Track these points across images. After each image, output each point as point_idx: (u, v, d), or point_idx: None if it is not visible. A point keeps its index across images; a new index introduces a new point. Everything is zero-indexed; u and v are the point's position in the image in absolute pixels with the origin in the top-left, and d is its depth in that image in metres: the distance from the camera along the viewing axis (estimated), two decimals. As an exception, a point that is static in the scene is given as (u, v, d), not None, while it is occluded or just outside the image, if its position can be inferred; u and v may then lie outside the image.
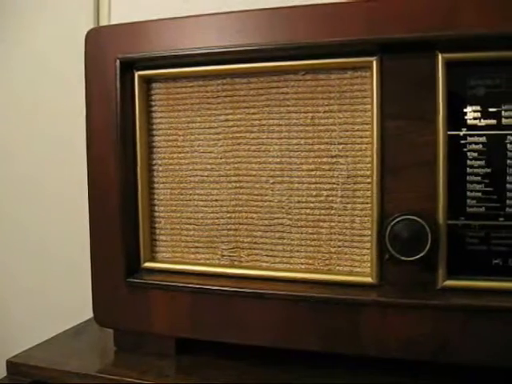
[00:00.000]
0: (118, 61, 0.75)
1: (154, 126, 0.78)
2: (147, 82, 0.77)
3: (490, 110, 0.65)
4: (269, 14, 0.70)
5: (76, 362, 0.77)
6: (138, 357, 0.78)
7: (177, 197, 0.77)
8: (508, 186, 0.64)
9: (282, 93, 0.72)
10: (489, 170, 0.65)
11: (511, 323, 0.63)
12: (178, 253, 0.78)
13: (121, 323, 0.79)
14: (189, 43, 0.73)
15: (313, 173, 0.71)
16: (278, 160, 0.72)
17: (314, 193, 0.71)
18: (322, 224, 0.71)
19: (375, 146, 0.66)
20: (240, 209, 0.74)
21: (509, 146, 0.64)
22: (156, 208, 0.78)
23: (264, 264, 0.74)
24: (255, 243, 0.74)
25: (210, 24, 0.73)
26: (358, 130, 0.69)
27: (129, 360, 0.77)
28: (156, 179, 0.78)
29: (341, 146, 0.69)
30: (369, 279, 0.68)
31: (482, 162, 0.65)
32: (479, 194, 0.65)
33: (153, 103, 0.78)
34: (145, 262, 0.78)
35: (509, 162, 0.64)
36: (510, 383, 0.67)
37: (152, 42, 0.75)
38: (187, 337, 0.76)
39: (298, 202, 0.71)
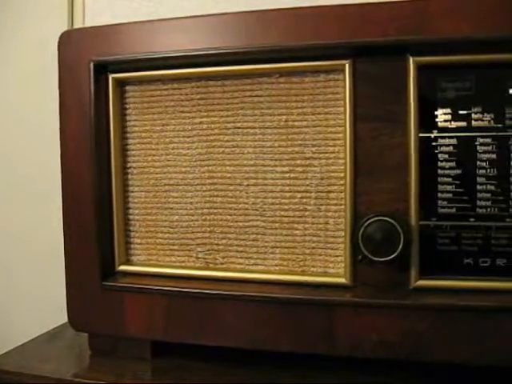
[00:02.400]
0: (91, 63, 0.74)
1: (129, 129, 0.78)
2: (121, 84, 0.77)
3: (460, 112, 0.66)
4: (243, 17, 0.70)
5: (51, 366, 0.76)
6: (114, 360, 0.78)
7: (151, 200, 0.77)
8: (478, 187, 0.66)
9: (256, 95, 0.72)
10: (459, 172, 0.66)
11: (483, 321, 0.64)
12: (153, 255, 0.78)
13: (96, 327, 0.78)
14: (163, 46, 0.73)
15: (287, 175, 0.71)
16: (252, 162, 0.72)
17: (288, 195, 0.71)
18: (296, 226, 0.71)
19: (348, 148, 0.67)
20: (215, 211, 0.74)
21: (478, 147, 0.65)
22: (131, 211, 0.78)
23: (239, 266, 0.74)
24: (230, 245, 0.74)
25: (185, 27, 0.73)
26: (331, 133, 0.69)
27: (104, 364, 0.77)
28: (130, 182, 0.78)
29: (314, 148, 0.70)
30: (342, 280, 0.69)
31: (453, 164, 0.66)
32: (450, 195, 0.66)
33: (127, 106, 0.77)
34: (120, 265, 0.78)
35: (479, 163, 0.65)
36: (483, 380, 0.68)
37: (126, 44, 0.75)
38: (162, 340, 0.75)
39: (272, 203, 0.72)
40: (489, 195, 0.65)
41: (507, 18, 0.63)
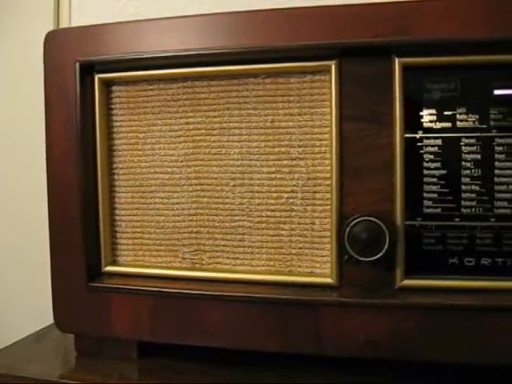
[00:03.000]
0: (77, 63, 0.74)
1: (115, 129, 0.77)
2: (107, 84, 0.77)
3: (446, 113, 0.66)
4: (230, 18, 0.70)
5: (36, 367, 0.76)
6: (100, 361, 0.77)
7: (138, 200, 0.77)
8: (463, 187, 0.66)
9: (243, 96, 0.72)
10: (444, 172, 0.66)
11: (468, 321, 0.65)
12: (140, 256, 0.78)
13: (82, 328, 0.78)
14: (149, 46, 0.73)
15: (273, 175, 0.71)
16: (239, 163, 0.72)
17: (275, 195, 0.71)
18: (282, 226, 0.72)
19: (334, 148, 0.67)
20: (201, 211, 0.74)
21: (463, 148, 0.66)
22: (117, 211, 0.78)
23: (225, 266, 0.74)
24: (216, 246, 0.74)
25: (171, 27, 0.73)
26: (317, 133, 0.70)
27: (90, 364, 0.77)
28: (117, 182, 0.78)
29: (300, 149, 0.70)
30: (329, 280, 0.69)
31: (438, 164, 0.66)
32: (435, 195, 0.67)
33: (113, 106, 0.77)
34: (106, 265, 0.77)
35: (463, 163, 0.66)
36: (470, 378, 0.69)
37: (112, 44, 0.74)
38: (149, 340, 0.75)
39: (259, 204, 0.72)
40: (473, 195, 0.66)
41: (492, 20, 0.63)
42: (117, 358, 0.77)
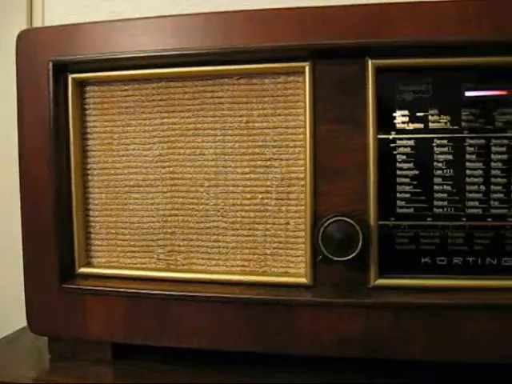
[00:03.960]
0: (50, 63, 0.74)
1: (89, 130, 0.77)
2: (81, 84, 0.76)
3: (418, 114, 0.67)
4: (204, 19, 0.70)
5: (9, 371, 0.75)
6: (74, 364, 0.77)
7: (112, 201, 0.76)
8: (435, 187, 0.67)
9: (217, 97, 0.72)
10: (417, 172, 0.67)
11: (439, 319, 0.66)
12: (114, 257, 0.77)
13: (56, 330, 0.77)
14: (124, 46, 0.72)
15: (247, 176, 0.71)
16: (213, 163, 0.72)
17: (249, 195, 0.72)
18: (257, 226, 0.72)
19: (308, 149, 0.68)
20: (176, 212, 0.74)
21: (435, 148, 0.67)
22: (91, 212, 0.77)
23: (200, 267, 0.74)
24: (191, 246, 0.74)
25: (146, 27, 0.72)
26: (291, 134, 0.70)
27: (64, 367, 0.76)
28: (91, 183, 0.77)
29: (275, 150, 0.71)
30: (303, 280, 0.69)
31: (411, 165, 0.67)
32: (408, 196, 0.68)
33: (87, 106, 0.77)
34: (80, 267, 0.77)
35: (435, 164, 0.67)
36: (441, 375, 0.70)
37: (86, 44, 0.74)
38: (123, 342, 0.75)
39: (233, 204, 0.72)
40: (445, 195, 0.67)
41: (463, 24, 0.64)
42: (91, 360, 0.77)
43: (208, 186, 0.73)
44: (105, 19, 0.77)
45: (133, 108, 0.75)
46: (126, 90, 0.75)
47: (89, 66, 0.74)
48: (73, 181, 0.76)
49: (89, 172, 0.77)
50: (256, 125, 0.71)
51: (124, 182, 0.76)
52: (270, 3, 0.73)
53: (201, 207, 0.73)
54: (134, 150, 0.75)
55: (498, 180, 0.66)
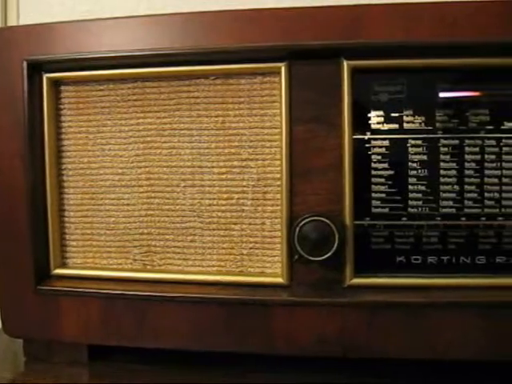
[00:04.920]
0: (25, 62, 0.73)
1: (64, 130, 0.76)
2: (56, 84, 0.76)
3: (393, 115, 0.68)
4: (180, 18, 0.70)
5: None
6: (50, 365, 0.76)
7: (87, 201, 0.76)
8: (410, 187, 0.68)
9: (193, 97, 0.72)
10: (392, 172, 0.68)
11: (415, 317, 0.66)
12: (90, 258, 0.77)
13: (31, 332, 0.76)
14: (99, 46, 0.72)
15: (224, 176, 0.71)
16: (189, 164, 0.72)
17: (225, 196, 0.72)
18: (233, 226, 0.72)
19: (284, 149, 0.68)
20: (152, 213, 0.74)
21: (410, 149, 0.68)
22: (66, 213, 0.77)
23: (176, 267, 0.74)
24: (167, 247, 0.74)
25: (122, 27, 0.72)
26: (267, 134, 0.70)
27: (40, 369, 0.76)
28: (66, 184, 0.76)
29: (251, 150, 0.71)
30: (280, 280, 0.70)
31: (386, 165, 0.68)
32: (383, 195, 0.68)
33: (62, 106, 0.76)
34: (55, 268, 0.76)
35: (410, 164, 0.68)
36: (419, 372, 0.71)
37: (61, 43, 0.73)
38: (100, 343, 0.74)
39: (210, 205, 0.72)
40: (420, 195, 0.68)
41: (437, 25, 0.65)
42: (67, 361, 0.76)
43: (184, 187, 0.73)
44: (80, 18, 0.77)
45: (108, 108, 0.75)
46: (101, 90, 0.75)
47: (64, 66, 0.74)
48: (48, 181, 0.75)
49: (64, 172, 0.76)
50: (232, 125, 0.71)
51: (100, 182, 0.75)
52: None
53: (177, 207, 0.73)
54: (109, 150, 0.75)
55: (472, 180, 0.67)
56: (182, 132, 0.72)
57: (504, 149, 0.67)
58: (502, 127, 0.66)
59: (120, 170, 0.75)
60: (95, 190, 0.76)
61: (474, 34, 0.65)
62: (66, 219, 0.77)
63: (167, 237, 0.74)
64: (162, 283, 0.73)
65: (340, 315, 0.67)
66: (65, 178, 0.76)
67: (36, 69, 0.74)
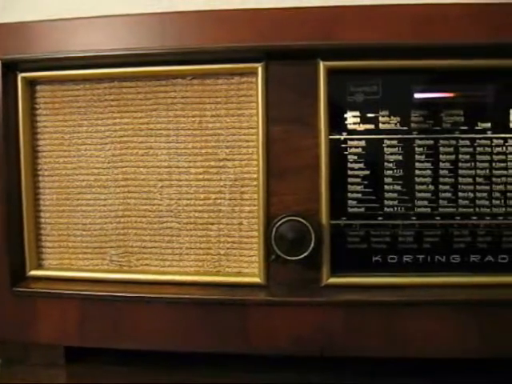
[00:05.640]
0: (-1, 61, 0.72)
1: (39, 130, 0.75)
2: (31, 84, 0.75)
3: (368, 115, 0.68)
4: (158, 18, 0.70)
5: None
6: (26, 368, 0.76)
7: (63, 202, 0.75)
8: (386, 187, 0.68)
9: (170, 97, 0.72)
10: (368, 172, 0.69)
11: (391, 315, 0.67)
12: (66, 259, 0.76)
13: (7, 334, 0.76)
14: (75, 45, 0.71)
15: (201, 176, 0.71)
16: (166, 164, 0.72)
17: (203, 196, 0.72)
18: (210, 227, 0.72)
19: (261, 149, 0.68)
20: (129, 213, 0.74)
21: (386, 149, 0.68)
22: (42, 214, 0.76)
23: (154, 268, 0.74)
24: (144, 247, 0.74)
25: (99, 26, 0.72)
26: (244, 134, 0.70)
27: (16, 371, 0.75)
28: (41, 184, 0.76)
29: (228, 150, 0.71)
30: (257, 279, 0.70)
31: (362, 165, 0.68)
32: (359, 195, 0.69)
33: (37, 106, 0.75)
34: (31, 269, 0.75)
35: (386, 164, 0.68)
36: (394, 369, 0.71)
37: (37, 43, 0.73)
38: (77, 345, 0.74)
39: (187, 205, 0.72)
40: (395, 195, 0.68)
41: (412, 27, 0.66)
42: (44, 363, 0.76)
43: (161, 187, 0.72)
44: (57, 17, 0.76)
45: (84, 108, 0.74)
46: (77, 90, 0.74)
47: (39, 65, 0.73)
48: (23, 182, 0.74)
49: (39, 173, 0.76)
50: (209, 125, 0.71)
51: (76, 182, 0.75)
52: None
53: (154, 208, 0.73)
54: (85, 150, 0.74)
55: (446, 180, 0.68)
56: (159, 132, 0.72)
57: (478, 149, 0.68)
58: (476, 128, 0.67)
59: (96, 171, 0.74)
60: (71, 190, 0.75)
61: (449, 36, 0.66)
62: (42, 220, 0.76)
63: (144, 237, 0.74)
64: (139, 284, 0.73)
65: (317, 314, 0.68)
66: (40, 178, 0.76)
67: (11, 68, 0.73)
